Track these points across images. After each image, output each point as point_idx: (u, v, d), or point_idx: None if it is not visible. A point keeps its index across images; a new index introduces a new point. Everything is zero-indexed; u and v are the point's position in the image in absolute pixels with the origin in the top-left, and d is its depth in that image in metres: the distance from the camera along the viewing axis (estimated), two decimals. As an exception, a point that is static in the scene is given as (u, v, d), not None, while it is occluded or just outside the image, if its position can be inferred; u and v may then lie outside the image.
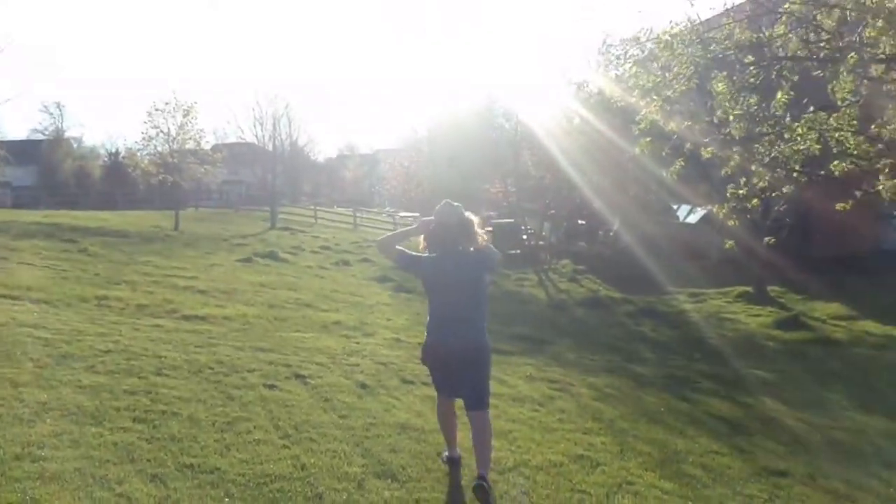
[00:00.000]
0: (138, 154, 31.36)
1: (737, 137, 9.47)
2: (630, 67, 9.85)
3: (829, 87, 8.87)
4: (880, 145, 8.91)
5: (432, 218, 4.63)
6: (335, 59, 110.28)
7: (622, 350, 10.90)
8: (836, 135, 9.39)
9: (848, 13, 7.60)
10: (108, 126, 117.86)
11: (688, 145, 9.85)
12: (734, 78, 9.38)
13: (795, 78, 9.11)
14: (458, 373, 4.45)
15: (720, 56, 9.08)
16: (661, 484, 4.83)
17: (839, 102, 8.91)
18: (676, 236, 22.36)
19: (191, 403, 5.35)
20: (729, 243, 12.11)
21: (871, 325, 13.46)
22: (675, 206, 25.07)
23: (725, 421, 6.90)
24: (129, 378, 5.80)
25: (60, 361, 6.04)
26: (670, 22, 9.15)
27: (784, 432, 6.68)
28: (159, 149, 29.26)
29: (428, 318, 4.60)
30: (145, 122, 28.51)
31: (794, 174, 10.30)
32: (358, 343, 8.88)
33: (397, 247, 4.75)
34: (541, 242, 25.76)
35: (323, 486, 4.15)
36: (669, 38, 8.83)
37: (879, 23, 7.06)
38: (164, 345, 7.23)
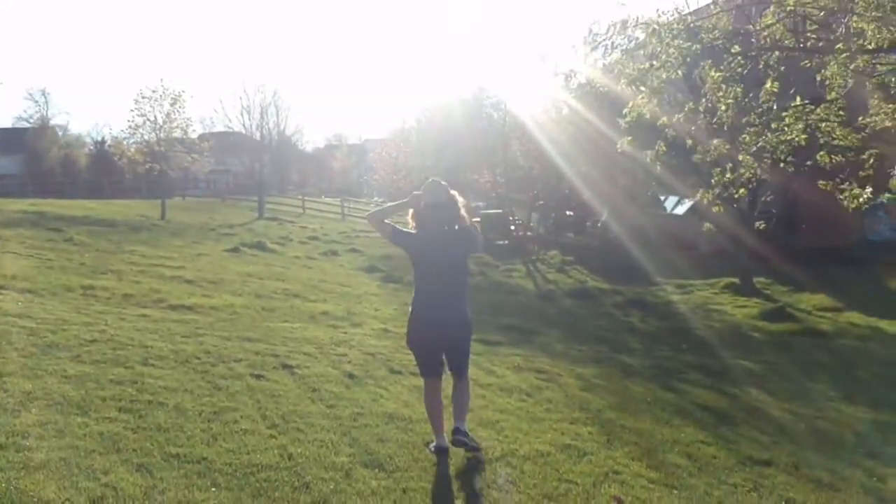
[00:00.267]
0: (125, 142, 31.11)
1: (726, 126, 9.49)
2: (619, 56, 9.84)
3: (818, 77, 8.91)
4: (864, 133, 8.97)
5: (422, 192, 4.81)
6: (323, 48, 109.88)
7: (609, 341, 10.94)
8: (823, 125, 9.44)
9: (836, 3, 7.62)
10: (94, 114, 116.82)
11: (671, 131, 9.84)
12: (721, 67, 9.39)
13: (782, 68, 9.14)
14: (442, 346, 4.78)
15: (708, 46, 9.09)
16: (648, 473, 4.86)
17: (830, 95, 8.94)
18: (664, 227, 22.44)
19: (177, 393, 5.33)
20: (707, 225, 12.13)
21: (856, 317, 13.55)
22: (662, 198, 25.15)
23: (711, 411, 6.94)
24: (115, 368, 5.77)
25: (46, 351, 6.00)
26: (657, 11, 9.13)
27: (769, 422, 6.72)
28: (146, 137, 29.03)
29: (413, 292, 4.83)
30: (132, 110, 28.30)
31: (781, 164, 10.34)
32: (345, 333, 8.87)
33: (387, 222, 4.90)
34: (529, 233, 25.80)
35: (310, 475, 4.15)
36: (657, 27, 8.82)
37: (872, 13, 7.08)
38: (151, 334, 7.19)
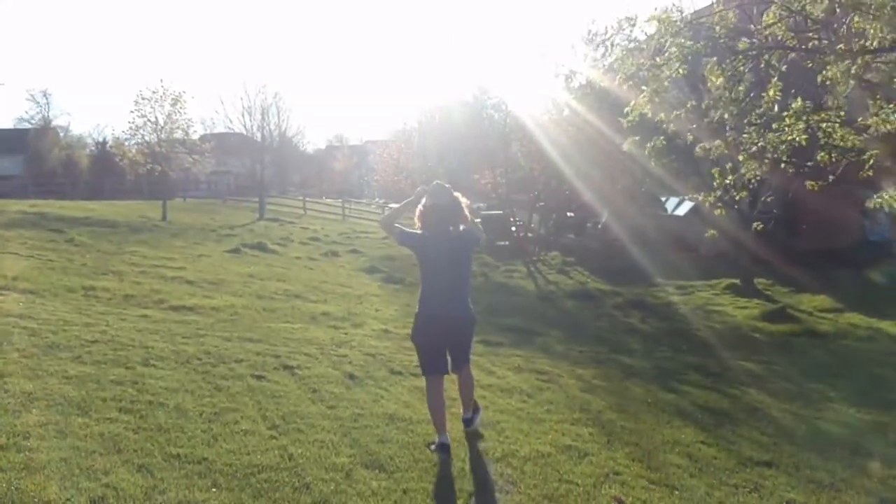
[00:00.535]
0: (126, 143, 31.12)
1: (728, 126, 9.46)
2: (619, 55, 9.82)
3: (819, 77, 8.89)
4: (865, 134, 8.95)
5: (427, 194, 5.09)
6: (325, 49, 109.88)
7: (610, 341, 10.94)
8: (824, 126, 9.43)
9: (836, 4, 7.60)
10: (95, 115, 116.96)
11: (672, 126, 9.81)
12: (723, 65, 9.38)
13: (783, 68, 9.12)
14: (448, 340, 5.02)
15: (710, 44, 9.07)
16: (648, 474, 4.86)
17: (831, 101, 8.92)
18: (665, 228, 22.42)
19: (178, 394, 5.33)
20: (711, 232, 12.14)
21: (856, 318, 13.54)
22: (663, 199, 25.13)
23: (711, 412, 6.94)
24: (115, 368, 5.78)
25: (47, 351, 6.01)
26: (656, 9, 9.11)
27: (769, 423, 6.72)
28: (147, 138, 29.06)
29: (420, 290, 5.12)
30: (132, 112, 28.30)
31: (782, 165, 10.33)
32: (346, 334, 8.87)
33: (396, 225, 5.21)
34: (530, 234, 25.80)
35: (310, 476, 4.15)
36: (659, 24, 8.80)
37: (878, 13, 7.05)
38: (152, 335, 7.20)
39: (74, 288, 10.01)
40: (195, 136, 33.31)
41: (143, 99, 28.12)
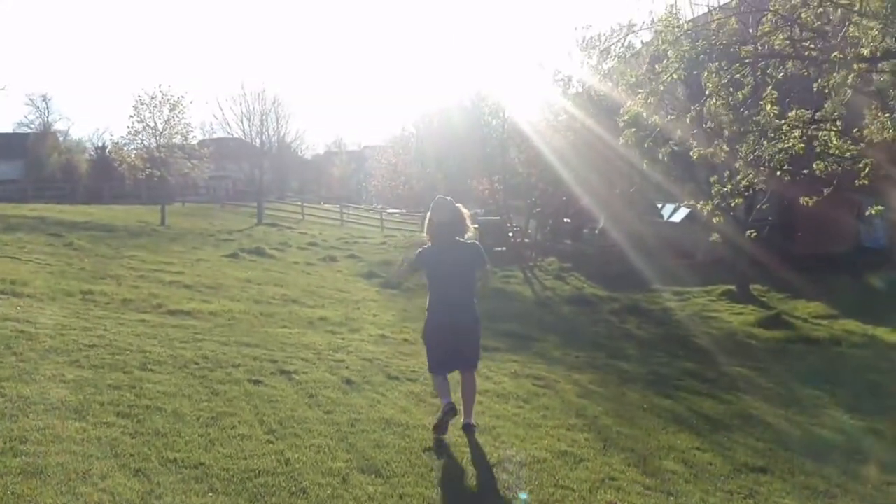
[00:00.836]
0: (125, 148, 31.19)
1: (725, 133, 9.49)
2: (617, 64, 9.87)
3: (815, 86, 8.93)
4: (862, 144, 8.99)
5: (430, 210, 5.55)
6: (323, 54, 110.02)
7: (606, 347, 10.97)
8: (820, 134, 9.47)
9: (830, 11, 7.65)
10: (95, 119, 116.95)
11: (678, 133, 9.83)
12: (720, 73, 9.41)
13: (780, 76, 9.17)
14: (456, 343, 5.40)
15: (706, 52, 9.10)
16: (643, 480, 4.88)
17: (830, 107, 8.95)
18: (661, 234, 22.46)
19: (175, 398, 5.35)
20: (714, 236, 12.19)
21: (851, 324, 13.56)
22: (659, 205, 25.19)
23: (707, 418, 6.96)
24: (113, 373, 5.79)
25: (44, 356, 6.01)
26: (651, 12, 9.15)
27: (764, 430, 6.74)
28: (146, 143, 29.14)
29: (428, 300, 5.52)
30: (131, 116, 28.41)
31: (778, 172, 10.37)
32: (343, 339, 8.89)
33: (402, 260, 5.48)
34: (527, 240, 25.83)
35: (307, 480, 4.17)
36: (655, 35, 8.84)
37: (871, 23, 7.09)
38: (150, 340, 7.21)
39: (73, 292, 10.01)
40: (194, 141, 33.47)
41: (142, 104, 28.27)
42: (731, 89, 9.28)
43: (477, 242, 5.68)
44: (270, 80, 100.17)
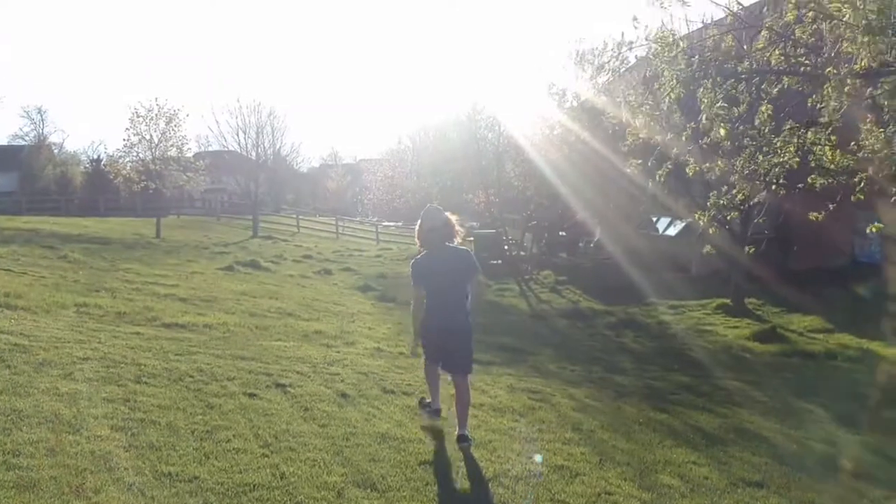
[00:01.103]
0: (120, 161, 31.20)
1: (721, 151, 9.52)
2: (610, 78, 9.92)
3: (810, 101, 8.97)
4: (860, 154, 9.02)
5: (421, 219, 5.79)
6: (319, 68, 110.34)
7: (602, 361, 10.96)
8: (816, 149, 9.51)
9: (824, 28, 7.69)
10: (90, 132, 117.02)
11: (674, 151, 9.85)
12: (716, 89, 9.45)
13: (774, 91, 9.21)
14: (448, 346, 5.66)
15: (701, 69, 9.14)
16: (640, 494, 4.87)
17: (823, 118, 8.99)
18: (656, 248, 22.52)
19: (170, 412, 5.33)
20: (707, 248, 12.21)
21: (846, 338, 13.59)
22: (654, 218, 25.27)
23: (703, 432, 6.95)
24: (107, 386, 5.77)
25: (38, 369, 5.99)
26: (646, 27, 9.18)
27: (760, 443, 6.73)
28: (141, 156, 29.17)
29: (425, 305, 5.72)
30: (127, 129, 28.46)
31: (773, 187, 10.40)
32: (339, 352, 8.86)
33: (416, 292, 5.73)
34: (522, 253, 25.87)
35: (302, 495, 4.15)
36: (653, 58, 8.88)
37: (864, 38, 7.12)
38: (144, 352, 7.19)
39: (67, 305, 9.97)
40: (189, 154, 33.49)
41: (137, 117, 28.33)
42: (727, 105, 9.31)
43: (468, 249, 5.93)
44: (266, 93, 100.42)
